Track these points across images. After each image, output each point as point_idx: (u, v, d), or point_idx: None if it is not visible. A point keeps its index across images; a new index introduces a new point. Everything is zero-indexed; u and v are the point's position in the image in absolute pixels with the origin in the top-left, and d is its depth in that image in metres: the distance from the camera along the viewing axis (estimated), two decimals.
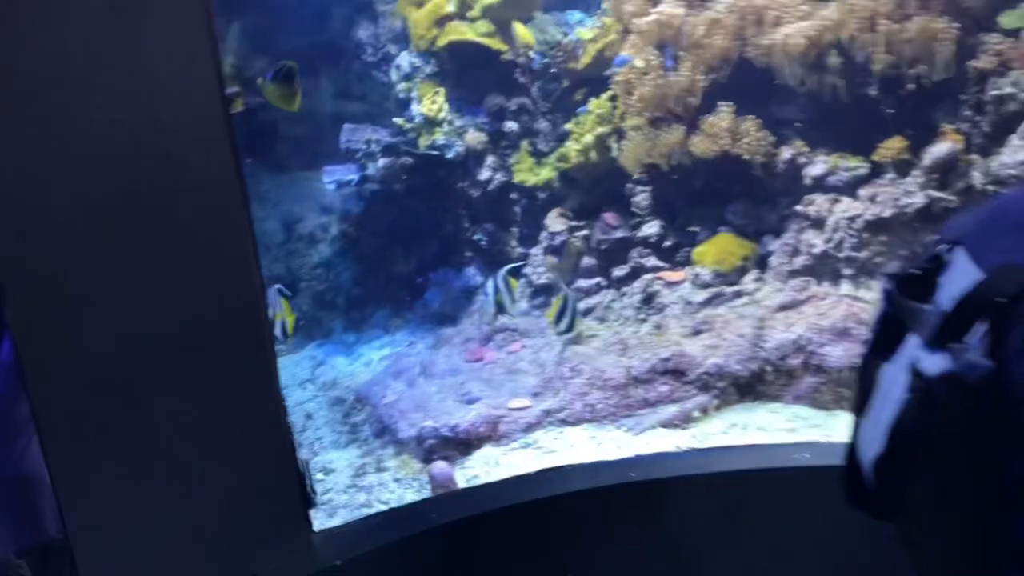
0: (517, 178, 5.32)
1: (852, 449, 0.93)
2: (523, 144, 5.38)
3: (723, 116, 4.47)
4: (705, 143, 4.50)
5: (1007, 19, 4.05)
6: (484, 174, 5.34)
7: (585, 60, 5.34)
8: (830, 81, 4.36)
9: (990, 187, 3.95)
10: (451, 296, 5.32)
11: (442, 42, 5.41)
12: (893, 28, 4.16)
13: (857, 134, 4.41)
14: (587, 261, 4.90)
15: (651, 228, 4.80)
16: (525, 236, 5.31)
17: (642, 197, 4.91)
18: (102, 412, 1.56)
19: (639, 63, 4.69)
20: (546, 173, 5.27)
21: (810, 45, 4.33)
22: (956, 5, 4.12)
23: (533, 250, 5.19)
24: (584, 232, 4.96)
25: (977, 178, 4.04)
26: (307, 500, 1.99)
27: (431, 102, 5.34)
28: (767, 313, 4.04)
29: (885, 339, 0.85)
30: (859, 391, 0.92)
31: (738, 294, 4.32)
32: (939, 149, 4.13)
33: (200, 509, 1.72)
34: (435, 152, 5.34)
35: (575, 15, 5.67)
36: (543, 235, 5.14)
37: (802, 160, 4.47)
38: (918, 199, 4.12)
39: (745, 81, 4.58)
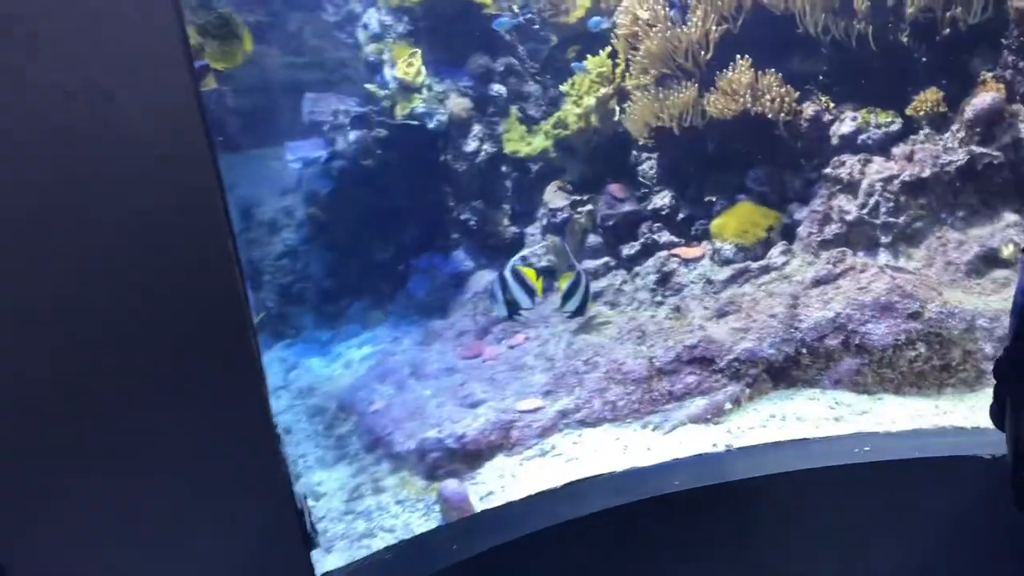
0: (508, 148, 5.15)
1: (1021, 445, 0.85)
2: (512, 110, 5.21)
3: (742, 71, 4.32)
4: (722, 102, 4.35)
5: None
6: (470, 145, 5.16)
7: (577, 13, 5.17)
8: (856, 28, 4.25)
9: None
10: (438, 284, 5.15)
11: None
12: None
13: (888, 86, 4.32)
14: (593, 239, 4.74)
15: (662, 199, 4.66)
16: (519, 214, 5.15)
17: (649, 165, 4.77)
18: (56, 457, 1.38)
19: (644, 14, 4.52)
20: (539, 142, 5.10)
21: None
22: None
23: (529, 229, 5.03)
24: (588, 207, 4.80)
25: None
26: (308, 541, 1.84)
27: (407, 65, 5.13)
28: (799, 289, 3.91)
29: None
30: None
31: (765, 269, 4.19)
32: (981, 100, 4.06)
33: (185, 562, 1.56)
34: (413, 122, 5.16)
35: None
36: (541, 212, 4.98)
37: (828, 117, 4.40)
38: (959, 156, 4.06)
39: (762, 31, 4.46)
